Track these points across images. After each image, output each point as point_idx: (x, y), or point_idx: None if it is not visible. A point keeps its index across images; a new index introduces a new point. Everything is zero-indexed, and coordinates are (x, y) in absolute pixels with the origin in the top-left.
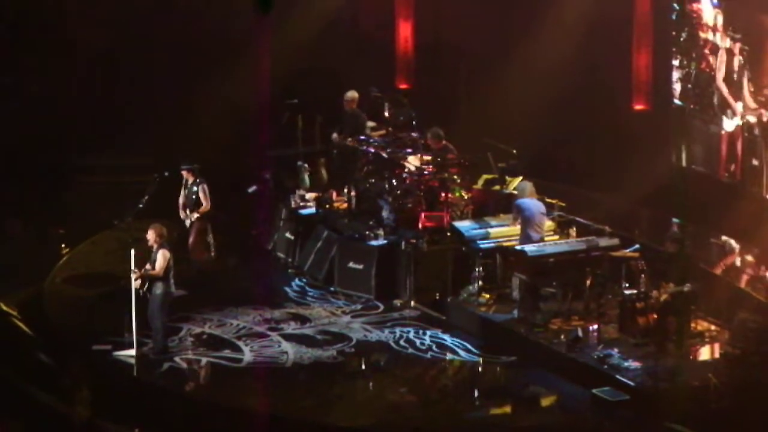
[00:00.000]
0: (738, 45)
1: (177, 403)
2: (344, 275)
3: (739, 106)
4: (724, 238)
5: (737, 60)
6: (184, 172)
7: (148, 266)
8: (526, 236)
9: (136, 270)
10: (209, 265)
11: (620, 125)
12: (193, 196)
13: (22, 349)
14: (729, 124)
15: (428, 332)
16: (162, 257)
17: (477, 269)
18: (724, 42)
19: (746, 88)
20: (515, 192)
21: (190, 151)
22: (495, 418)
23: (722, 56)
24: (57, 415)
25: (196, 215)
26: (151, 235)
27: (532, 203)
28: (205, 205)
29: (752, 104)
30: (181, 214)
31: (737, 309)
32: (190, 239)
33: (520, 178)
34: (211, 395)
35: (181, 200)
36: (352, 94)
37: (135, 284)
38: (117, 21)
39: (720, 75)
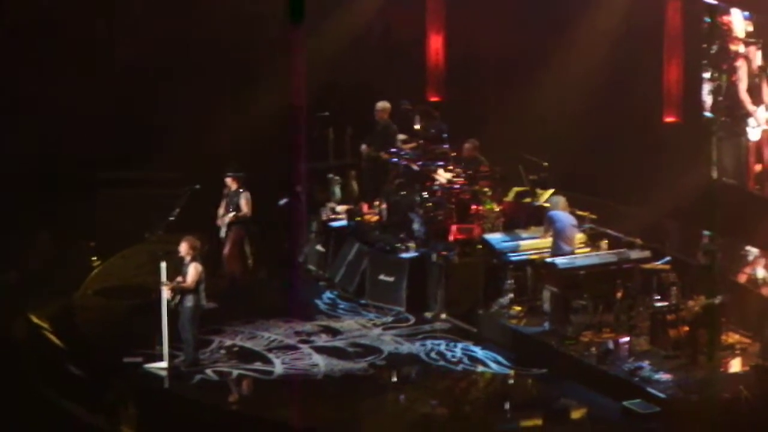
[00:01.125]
0: (754, 49)
1: (208, 415)
2: (375, 288)
3: (761, 111)
4: (754, 250)
5: (755, 64)
6: (228, 180)
7: (179, 278)
8: (558, 248)
9: (167, 282)
10: (242, 277)
11: (651, 137)
12: (235, 204)
13: (53, 361)
14: (754, 134)
15: (459, 345)
16: (194, 270)
17: (508, 282)
18: (745, 51)
19: (765, 89)
20: (547, 204)
21: (222, 163)
22: (526, 431)
23: (743, 66)
24: (89, 427)
25: (229, 219)
26: (183, 248)
27: (564, 216)
28: (245, 211)
29: None
30: (219, 222)
31: (767, 321)
32: (226, 249)
33: (552, 190)
34: (242, 407)
35: (221, 210)
36: (383, 105)
37: (166, 296)
38: (147, 33)
39: (743, 86)
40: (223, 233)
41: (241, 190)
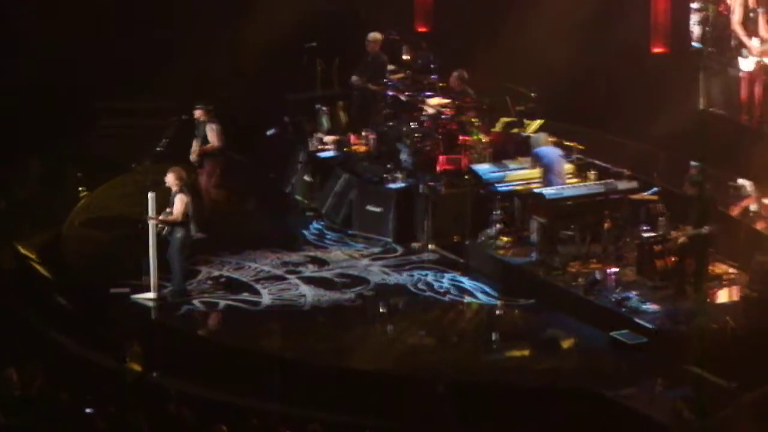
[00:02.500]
0: None
1: (195, 345)
2: (363, 218)
3: (755, 43)
4: (742, 181)
5: (753, 1)
6: (197, 112)
7: (167, 210)
8: (548, 184)
9: (154, 216)
10: (224, 208)
11: (639, 68)
12: (203, 136)
13: (41, 292)
14: (746, 64)
15: (447, 275)
16: (180, 202)
17: (495, 212)
18: None
19: (762, 23)
20: (534, 135)
21: (209, 93)
22: (513, 361)
23: None
24: (77, 358)
25: (197, 152)
26: (170, 179)
27: (549, 150)
28: (213, 142)
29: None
30: (191, 156)
31: (755, 252)
32: (203, 181)
33: (540, 121)
34: (229, 338)
35: (194, 143)
36: (374, 36)
37: (156, 228)
38: None
39: (735, 17)
40: (197, 166)
41: (209, 120)
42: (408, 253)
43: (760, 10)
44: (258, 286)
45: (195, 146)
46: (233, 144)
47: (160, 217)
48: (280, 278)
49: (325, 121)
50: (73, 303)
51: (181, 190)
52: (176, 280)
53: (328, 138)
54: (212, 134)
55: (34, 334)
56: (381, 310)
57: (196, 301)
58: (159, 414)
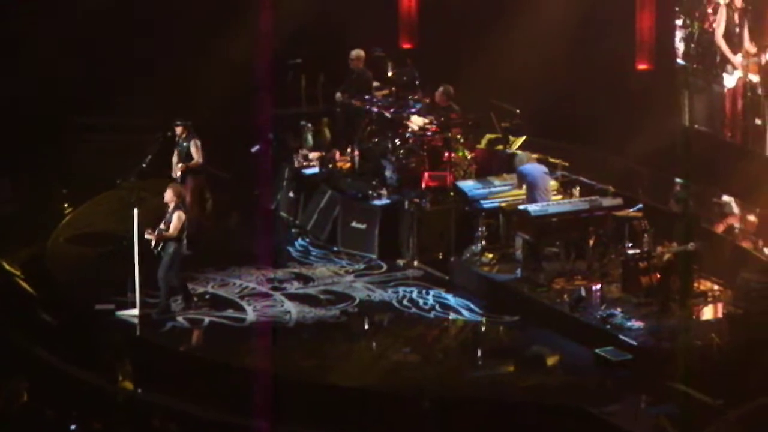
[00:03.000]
0: None
1: (179, 362)
2: (347, 235)
3: (738, 58)
4: (726, 198)
5: (737, 14)
6: (177, 129)
7: (162, 226)
8: (533, 201)
9: (150, 231)
10: (208, 224)
11: (624, 85)
12: (185, 152)
13: (25, 308)
14: (730, 80)
15: (431, 292)
16: (177, 219)
17: (480, 229)
18: None
19: (747, 39)
20: (518, 153)
21: (193, 110)
22: (498, 378)
23: (722, 12)
24: (62, 374)
25: (180, 168)
26: (169, 195)
27: (533, 167)
28: (197, 159)
29: (752, 49)
30: (173, 173)
31: (740, 269)
32: (186, 197)
33: (524, 137)
34: (214, 354)
35: (174, 159)
36: (357, 53)
37: (151, 244)
38: None
39: (719, 31)
40: (179, 181)
41: (189, 136)
42: (393, 269)
43: (746, 27)
44: (243, 303)
45: (176, 162)
46: (217, 160)
47: (156, 233)
48: (265, 295)
49: (309, 138)
50: (57, 319)
51: (178, 207)
52: (163, 297)
53: (312, 154)
54: (195, 150)
55: (18, 351)
56: (365, 326)
57: (180, 318)
58: (144, 430)
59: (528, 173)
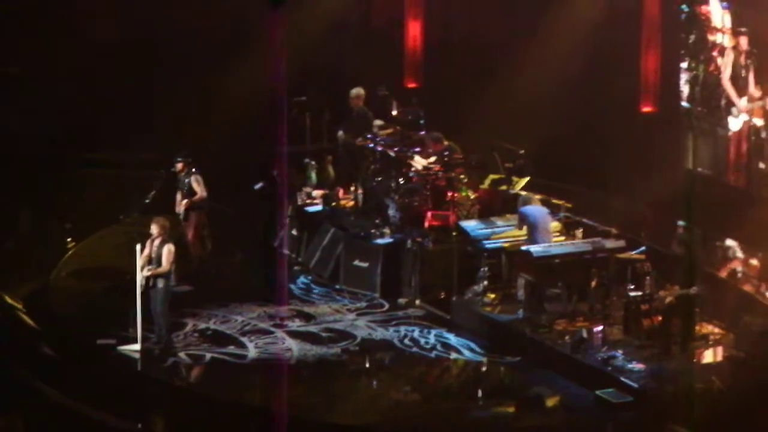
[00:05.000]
0: (744, 39)
1: (180, 398)
2: (349, 273)
3: (743, 102)
4: (730, 242)
5: (743, 57)
6: (177, 165)
7: (148, 260)
8: (534, 242)
9: (150, 268)
10: (210, 260)
11: (628, 127)
12: (187, 187)
13: (27, 341)
14: (735, 123)
15: (433, 331)
16: (168, 252)
17: (482, 269)
18: (731, 41)
19: (752, 83)
20: (522, 194)
21: (197, 147)
22: (498, 418)
23: (729, 55)
24: (59, 408)
25: (184, 205)
26: (155, 228)
27: (536, 209)
28: (200, 193)
29: (757, 93)
30: (177, 209)
31: (742, 312)
32: (189, 233)
33: (527, 178)
34: (215, 391)
35: (178, 196)
36: (357, 92)
37: (141, 281)
38: (124, 13)
39: (726, 75)
40: (182, 217)
41: (191, 171)
42: (394, 308)
43: (752, 71)
44: (244, 339)
45: (179, 199)
46: (221, 197)
47: (149, 271)
48: (267, 332)
49: (313, 175)
50: (59, 353)
51: (165, 240)
52: (160, 332)
53: (316, 192)
54: (197, 185)
55: (19, 384)
56: (366, 365)
57: (182, 354)
58: None
59: (529, 214)
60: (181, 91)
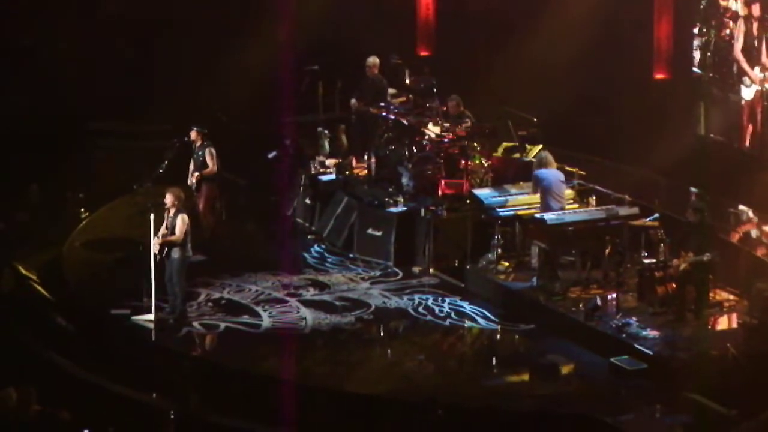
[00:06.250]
0: (756, 6)
1: (194, 367)
2: (363, 242)
3: (757, 71)
4: (743, 207)
5: (755, 26)
6: (192, 134)
7: (165, 231)
8: (547, 206)
9: (158, 237)
10: (221, 231)
11: (641, 94)
12: (201, 160)
13: (41, 312)
14: (747, 92)
15: (447, 299)
16: (182, 222)
17: (496, 237)
18: (743, 10)
19: (765, 52)
20: (542, 153)
21: (211, 116)
22: (513, 386)
23: (741, 25)
24: (72, 379)
25: (196, 177)
26: (169, 199)
27: (550, 173)
28: (211, 167)
29: None
30: (189, 180)
31: (755, 279)
32: (200, 205)
33: (540, 146)
34: (229, 360)
35: (191, 167)
36: (373, 60)
37: (154, 249)
38: None
39: (738, 45)
40: (194, 188)
41: (205, 144)
42: (408, 277)
43: (765, 41)
44: (258, 309)
45: (192, 169)
46: (234, 167)
47: (162, 238)
48: (281, 301)
49: (326, 145)
50: (72, 323)
51: (180, 210)
52: (175, 302)
53: (329, 161)
54: (210, 158)
55: (33, 355)
56: (381, 333)
57: (196, 323)
58: None
59: (543, 178)
60: (194, 61)
